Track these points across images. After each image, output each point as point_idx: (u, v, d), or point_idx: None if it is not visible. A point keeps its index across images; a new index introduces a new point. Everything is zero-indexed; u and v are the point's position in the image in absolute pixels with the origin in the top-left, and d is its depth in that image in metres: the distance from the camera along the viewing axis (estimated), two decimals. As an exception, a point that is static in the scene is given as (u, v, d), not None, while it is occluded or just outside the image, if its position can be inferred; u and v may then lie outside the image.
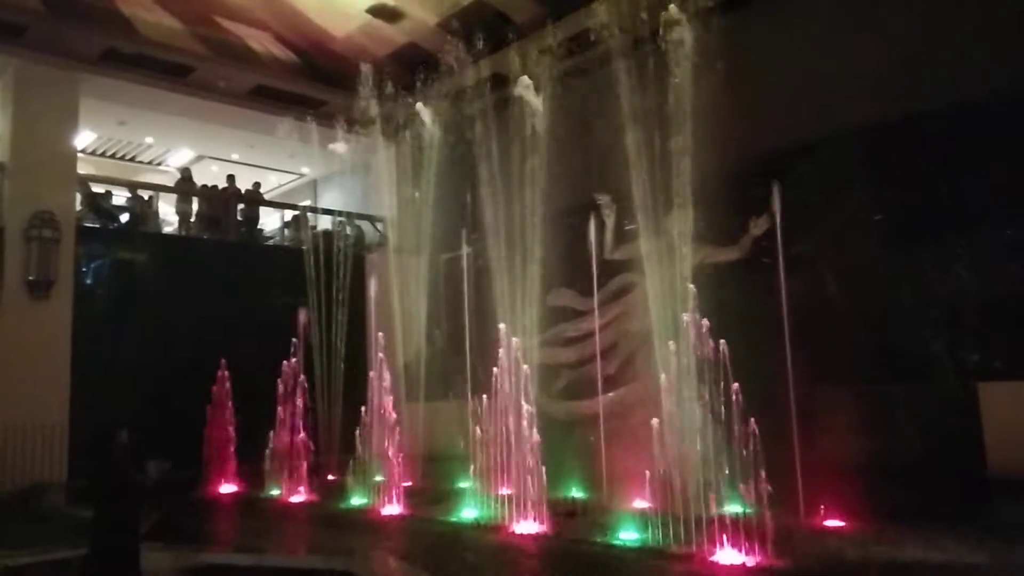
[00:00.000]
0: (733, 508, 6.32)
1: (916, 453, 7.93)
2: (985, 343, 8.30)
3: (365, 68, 12.98)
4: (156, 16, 13.34)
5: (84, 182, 12.96)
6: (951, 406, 8.16)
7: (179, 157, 17.58)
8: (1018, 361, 8.02)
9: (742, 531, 5.76)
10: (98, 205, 13.08)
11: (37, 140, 11.74)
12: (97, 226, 12.92)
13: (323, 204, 17.98)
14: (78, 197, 12.55)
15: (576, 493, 8.71)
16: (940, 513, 6.70)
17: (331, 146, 13.46)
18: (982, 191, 8.43)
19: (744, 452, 6.20)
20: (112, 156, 17.38)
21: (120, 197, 13.91)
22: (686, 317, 7.14)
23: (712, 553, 5.83)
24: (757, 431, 6.14)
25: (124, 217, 13.56)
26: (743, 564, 5.59)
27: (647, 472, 6.81)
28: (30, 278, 11.20)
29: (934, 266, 8.68)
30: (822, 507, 6.83)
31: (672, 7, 9.53)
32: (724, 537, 5.81)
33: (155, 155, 17.74)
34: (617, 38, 10.68)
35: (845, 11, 9.67)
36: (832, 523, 6.69)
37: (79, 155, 13.33)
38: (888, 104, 9.04)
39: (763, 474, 5.95)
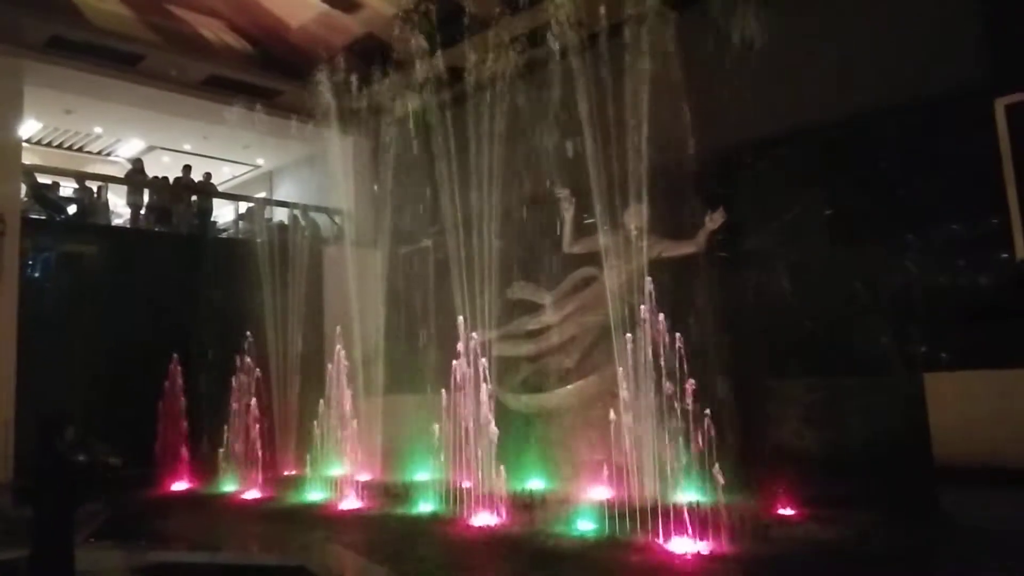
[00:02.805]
0: (688, 497, 6.41)
1: (865, 443, 8.12)
2: (931, 335, 8.53)
3: (321, 58, 12.82)
4: (104, 3, 13.00)
5: (29, 173, 12.58)
6: (899, 397, 8.36)
7: (129, 147, 17.19)
8: (963, 352, 8.26)
9: (696, 520, 5.86)
10: (44, 196, 12.71)
11: (-21, 129, 11.36)
12: (43, 218, 12.56)
13: (279, 196, 17.76)
14: (23, 188, 12.19)
15: (534, 485, 8.74)
16: (887, 501, 6.88)
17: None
18: (928, 187, 8.66)
19: (698, 443, 6.29)
20: (59, 146, 16.93)
21: (68, 188, 13.55)
22: (644, 310, 7.21)
23: (667, 541, 5.91)
24: (711, 422, 6.24)
25: (72, 209, 13.20)
26: (697, 552, 5.68)
27: (604, 463, 6.88)
28: (-28, 271, 10.85)
29: (882, 260, 8.90)
30: (773, 496, 6.96)
31: (630, 2, 9.60)
32: (679, 526, 5.90)
33: (104, 145, 17.32)
34: (575, 32, 10.71)
35: (801, 9, 9.83)
36: (784, 511, 6.82)
37: (24, 145, 12.94)
38: (839, 102, 9.22)
39: (716, 464, 6.06)
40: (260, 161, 18.14)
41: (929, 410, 8.08)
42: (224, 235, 15.92)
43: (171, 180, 14.86)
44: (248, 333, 10.79)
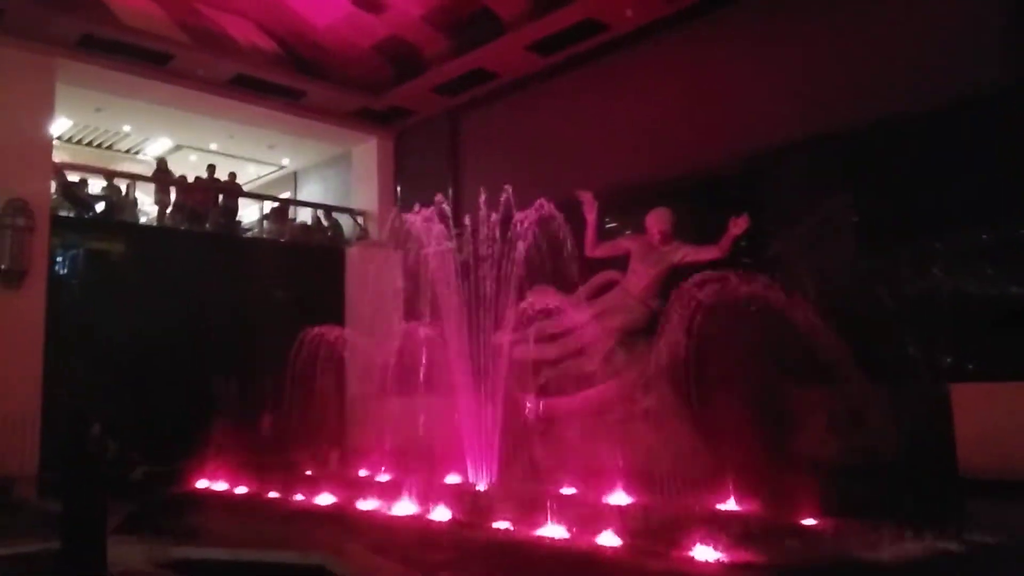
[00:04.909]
0: (711, 505, 6.36)
1: (890, 452, 8.02)
2: (958, 345, 8.42)
3: (347, 59, 12.90)
4: (135, 1, 13.15)
5: (59, 170, 12.76)
6: (924, 407, 8.25)
7: (157, 146, 17.40)
8: (990, 363, 8.14)
9: (719, 528, 5.80)
10: (73, 194, 12.88)
11: (11, 127, 11.50)
12: (72, 215, 12.73)
13: (303, 197, 17.90)
14: (53, 185, 12.36)
15: (553, 489, 8.70)
16: (911, 511, 6.79)
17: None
18: (956, 194, 8.54)
19: (720, 450, 6.24)
20: (88, 144, 17.16)
21: (96, 186, 13.74)
22: (665, 315, 7.19)
23: (689, 549, 5.86)
24: (733, 429, 6.19)
25: (100, 206, 13.37)
26: (719, 560, 5.63)
27: (624, 469, 6.84)
28: (2, 267, 11.00)
29: (908, 268, 8.79)
30: (796, 504, 6.89)
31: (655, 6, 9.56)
32: (701, 534, 5.85)
33: (132, 144, 17.54)
34: (602, 34, 10.66)
35: (823, 12, 9.75)
36: (807, 520, 6.75)
37: (54, 142, 13.12)
38: (865, 106, 9.13)
39: (739, 472, 6.00)
40: (285, 161, 18.28)
41: (955, 420, 7.98)
42: (249, 234, 16.07)
43: (195, 179, 15.04)
44: (270, 331, 10.85)
